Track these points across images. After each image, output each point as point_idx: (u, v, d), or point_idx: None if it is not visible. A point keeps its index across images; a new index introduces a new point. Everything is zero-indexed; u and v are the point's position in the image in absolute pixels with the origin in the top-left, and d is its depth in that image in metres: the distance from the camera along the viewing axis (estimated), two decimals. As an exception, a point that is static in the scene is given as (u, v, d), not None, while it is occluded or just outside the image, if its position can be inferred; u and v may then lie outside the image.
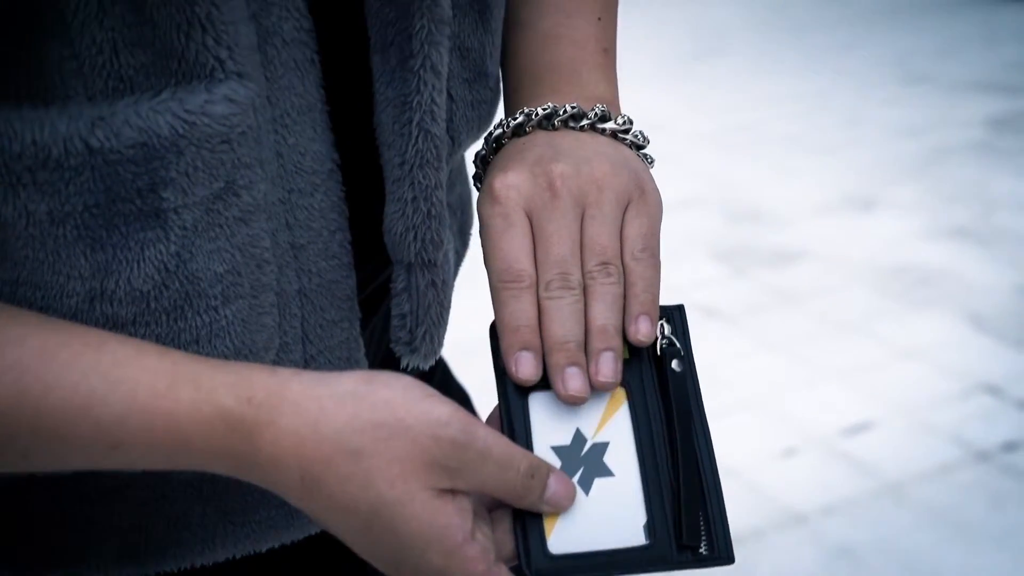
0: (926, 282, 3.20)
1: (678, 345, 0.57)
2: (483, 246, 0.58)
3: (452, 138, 0.63)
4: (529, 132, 0.62)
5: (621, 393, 0.56)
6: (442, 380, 0.85)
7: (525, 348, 0.55)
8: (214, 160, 0.50)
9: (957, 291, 3.14)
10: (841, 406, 2.59)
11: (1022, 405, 2.55)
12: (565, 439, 0.55)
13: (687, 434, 0.55)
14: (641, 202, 0.59)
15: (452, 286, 0.68)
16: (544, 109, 0.62)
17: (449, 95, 0.62)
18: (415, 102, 0.57)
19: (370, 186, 0.62)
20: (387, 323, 0.73)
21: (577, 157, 0.59)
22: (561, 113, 0.62)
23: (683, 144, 4.49)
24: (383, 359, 0.74)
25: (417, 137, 0.58)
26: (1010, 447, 2.39)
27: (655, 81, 5.52)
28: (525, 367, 0.55)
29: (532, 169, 0.59)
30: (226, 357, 0.54)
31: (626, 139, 0.63)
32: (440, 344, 0.66)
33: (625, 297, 0.57)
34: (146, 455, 0.49)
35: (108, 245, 0.50)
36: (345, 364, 0.60)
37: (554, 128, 0.62)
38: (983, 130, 4.54)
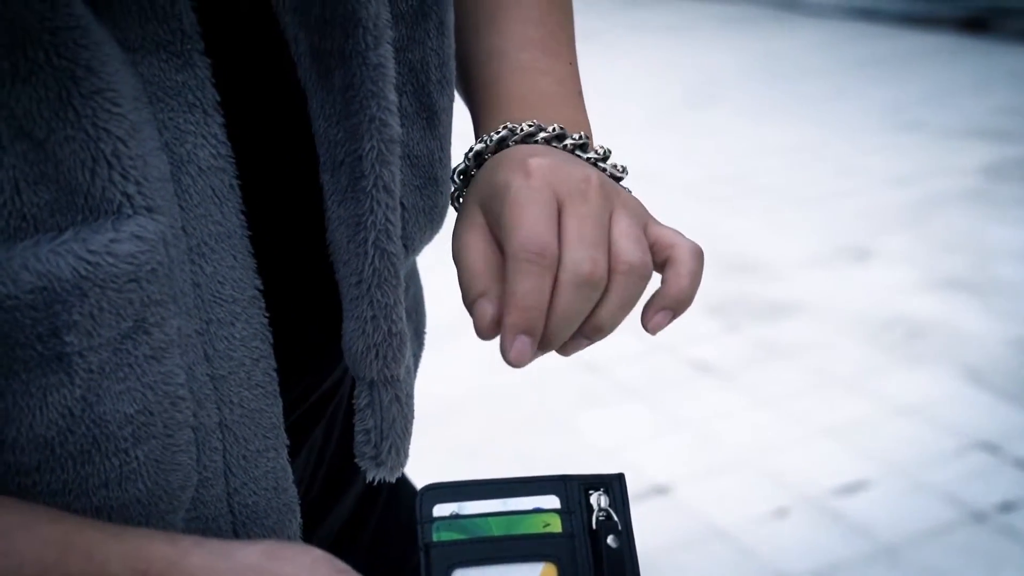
0: (921, 335, 3.18)
1: (615, 519, 0.54)
2: (506, 215, 0.54)
3: (405, 245, 0.62)
4: (511, 147, 0.60)
5: (552, 571, 0.53)
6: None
7: (527, 333, 0.52)
8: (121, 300, 0.48)
9: (952, 344, 3.11)
10: (834, 464, 2.55)
11: (1020, 463, 2.52)
12: None
13: None
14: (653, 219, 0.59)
15: (414, 394, 0.66)
16: (529, 126, 0.61)
17: (401, 203, 0.61)
18: (369, 222, 0.56)
19: (301, 306, 0.60)
20: (327, 441, 0.71)
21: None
22: (549, 130, 0.61)
23: (674, 194, 4.49)
24: (331, 475, 0.72)
25: (373, 256, 0.57)
26: (1007, 507, 2.36)
27: (646, 130, 5.54)
28: (519, 353, 0.52)
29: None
30: (138, 499, 0.51)
31: (605, 168, 0.61)
32: (406, 456, 0.64)
33: (663, 280, 0.55)
34: None
35: (7, 393, 0.47)
36: (273, 494, 0.58)
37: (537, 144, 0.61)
38: (978, 178, 4.54)
